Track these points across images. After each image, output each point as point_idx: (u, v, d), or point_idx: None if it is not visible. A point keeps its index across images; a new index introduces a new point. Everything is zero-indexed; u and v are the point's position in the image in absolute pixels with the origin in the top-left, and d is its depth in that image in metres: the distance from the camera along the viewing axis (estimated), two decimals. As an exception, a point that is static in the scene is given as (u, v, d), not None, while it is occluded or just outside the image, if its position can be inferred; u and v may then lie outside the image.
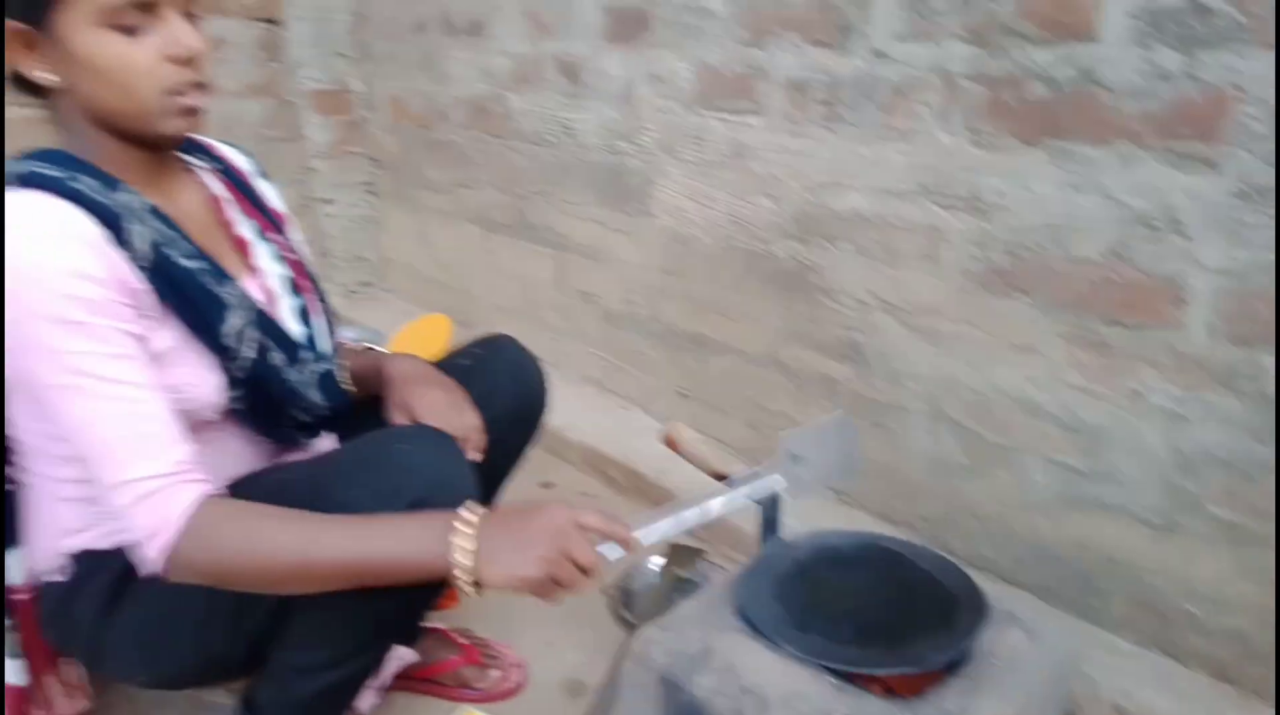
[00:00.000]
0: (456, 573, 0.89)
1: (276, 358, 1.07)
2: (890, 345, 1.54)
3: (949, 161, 1.37)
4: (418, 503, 0.97)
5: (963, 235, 1.38)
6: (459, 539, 0.90)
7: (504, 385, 1.27)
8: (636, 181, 1.95)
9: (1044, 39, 1.24)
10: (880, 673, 1.03)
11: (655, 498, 1.91)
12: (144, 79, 0.93)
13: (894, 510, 1.62)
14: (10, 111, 1.01)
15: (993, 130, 1.32)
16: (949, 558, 1.19)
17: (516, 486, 1.41)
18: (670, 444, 1.35)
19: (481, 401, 1.24)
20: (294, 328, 1.13)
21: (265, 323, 1.07)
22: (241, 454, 1.14)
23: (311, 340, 1.14)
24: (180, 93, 0.95)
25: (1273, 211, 1.08)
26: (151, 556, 0.91)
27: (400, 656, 1.31)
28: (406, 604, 1.02)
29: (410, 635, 1.11)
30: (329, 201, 2.92)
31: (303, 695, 1.06)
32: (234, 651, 1.04)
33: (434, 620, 1.44)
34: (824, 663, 1.01)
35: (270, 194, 1.23)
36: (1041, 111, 1.27)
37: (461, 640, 1.42)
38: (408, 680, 1.38)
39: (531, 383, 1.32)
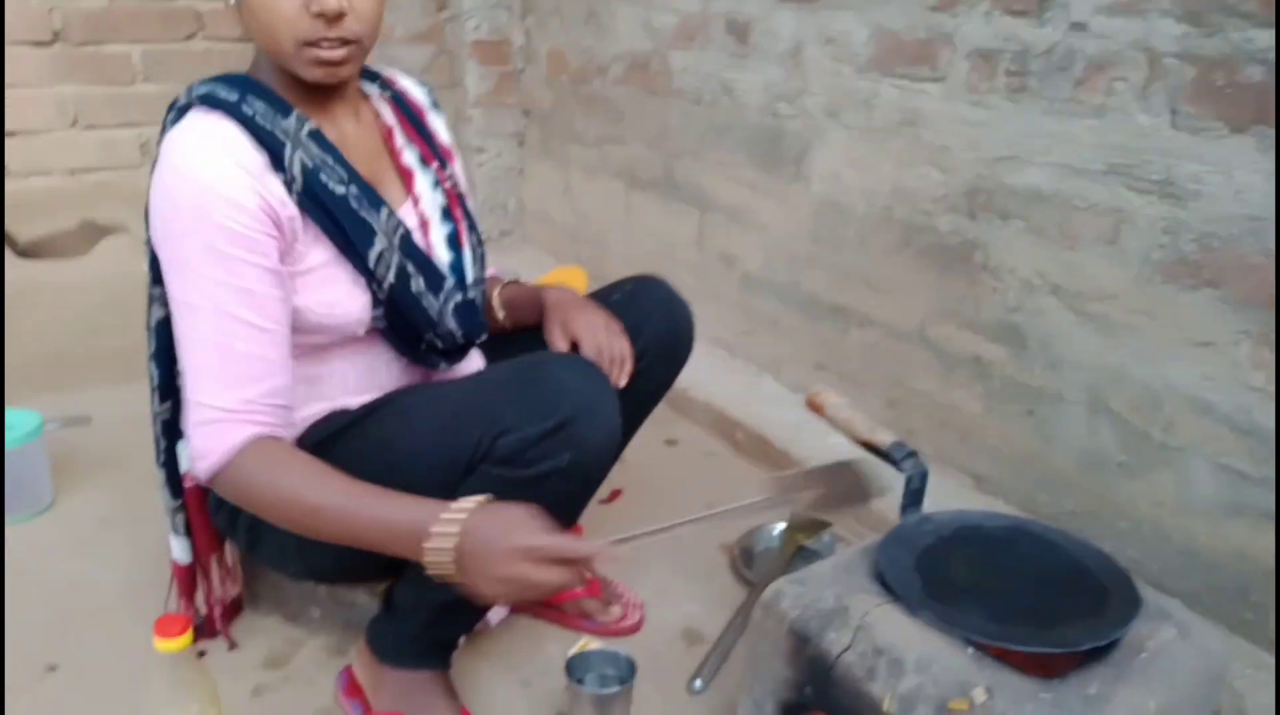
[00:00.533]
0: (433, 573, 0.92)
1: (417, 283, 1.12)
2: (1054, 330, 1.48)
3: (1144, 142, 1.30)
4: (563, 424, 1.01)
5: (1151, 221, 1.31)
6: (437, 542, 0.90)
7: (654, 320, 1.30)
8: (794, 145, 1.93)
9: (1265, 19, 1.16)
10: (1023, 649, 1.00)
11: (780, 465, 1.90)
12: (284, 26, 0.98)
13: (1038, 502, 1.56)
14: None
15: (1197, 113, 1.24)
16: (1101, 550, 1.15)
17: (642, 441, 1.44)
18: (815, 407, 1.34)
19: (631, 332, 1.27)
20: (443, 255, 1.17)
21: (410, 248, 1.12)
22: (391, 368, 1.20)
23: (458, 267, 1.19)
24: (315, 44, 0.99)
25: None
26: (196, 471, 1.02)
27: (497, 615, 1.36)
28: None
29: None
30: (480, 150, 3.00)
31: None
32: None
33: (561, 552, 1.48)
34: (964, 634, 1.00)
35: (440, 126, 1.27)
36: (1255, 96, 1.18)
37: (589, 574, 1.45)
38: (531, 605, 1.43)
39: (679, 320, 1.34)
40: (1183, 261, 1.28)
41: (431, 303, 1.14)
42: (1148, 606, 1.04)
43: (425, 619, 1.17)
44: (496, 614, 1.36)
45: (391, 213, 1.11)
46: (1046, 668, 1.04)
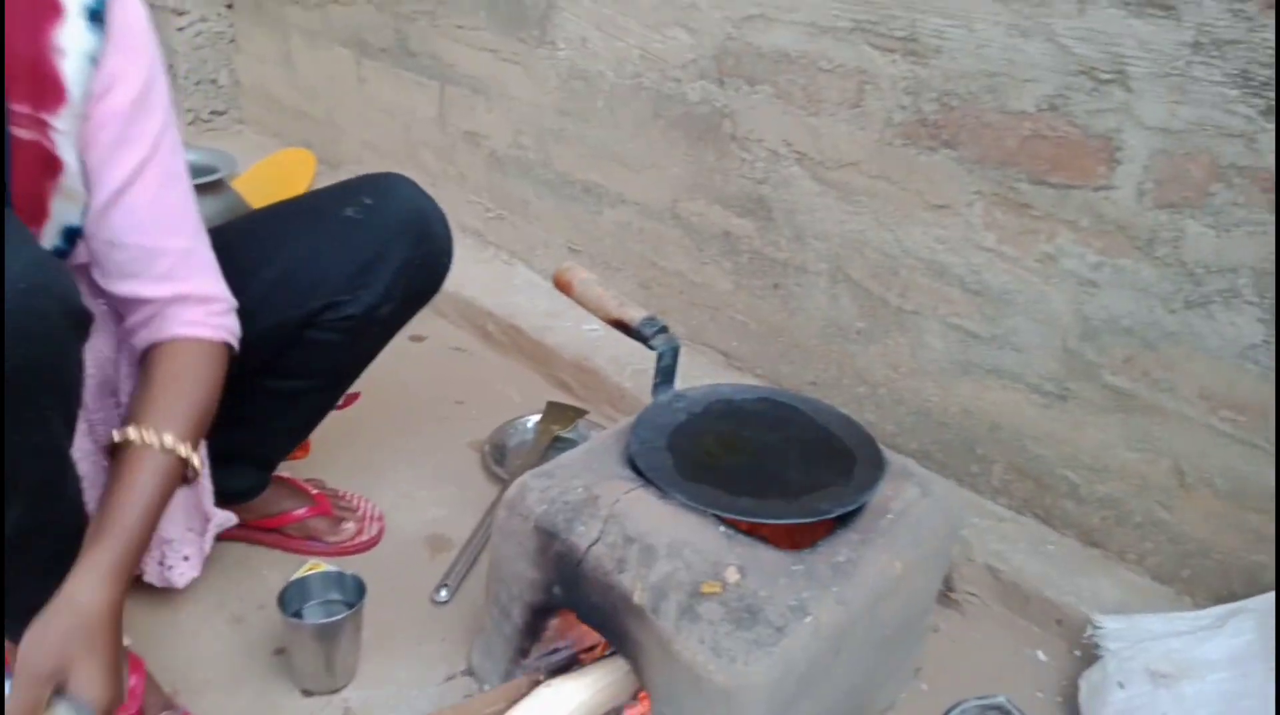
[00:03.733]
0: None
1: None
2: (799, 201, 1.44)
3: (886, -6, 1.25)
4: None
5: (893, 81, 1.28)
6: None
7: (399, 247, 1.08)
8: (538, 3, 1.74)
9: None
10: (772, 522, 0.96)
11: (535, 356, 1.79)
12: None
13: (782, 374, 1.56)
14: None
15: (936, -38, 1.20)
16: (846, 415, 1.13)
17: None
18: (563, 286, 1.22)
19: (373, 260, 1.07)
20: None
21: None
22: None
23: None
24: None
25: (1224, 64, 1.02)
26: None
27: (219, 523, 1.15)
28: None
29: None
30: (180, 12, 2.54)
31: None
32: None
33: (282, 470, 1.29)
34: (715, 511, 0.94)
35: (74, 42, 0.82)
36: (989, -55, 1.16)
37: (313, 491, 1.28)
38: (248, 530, 1.23)
39: (434, 238, 1.12)
40: (923, 122, 1.27)
41: None
42: (891, 468, 1.04)
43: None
44: (184, 575, 1.11)
45: None
46: (799, 538, 1.02)
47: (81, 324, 0.77)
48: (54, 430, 0.80)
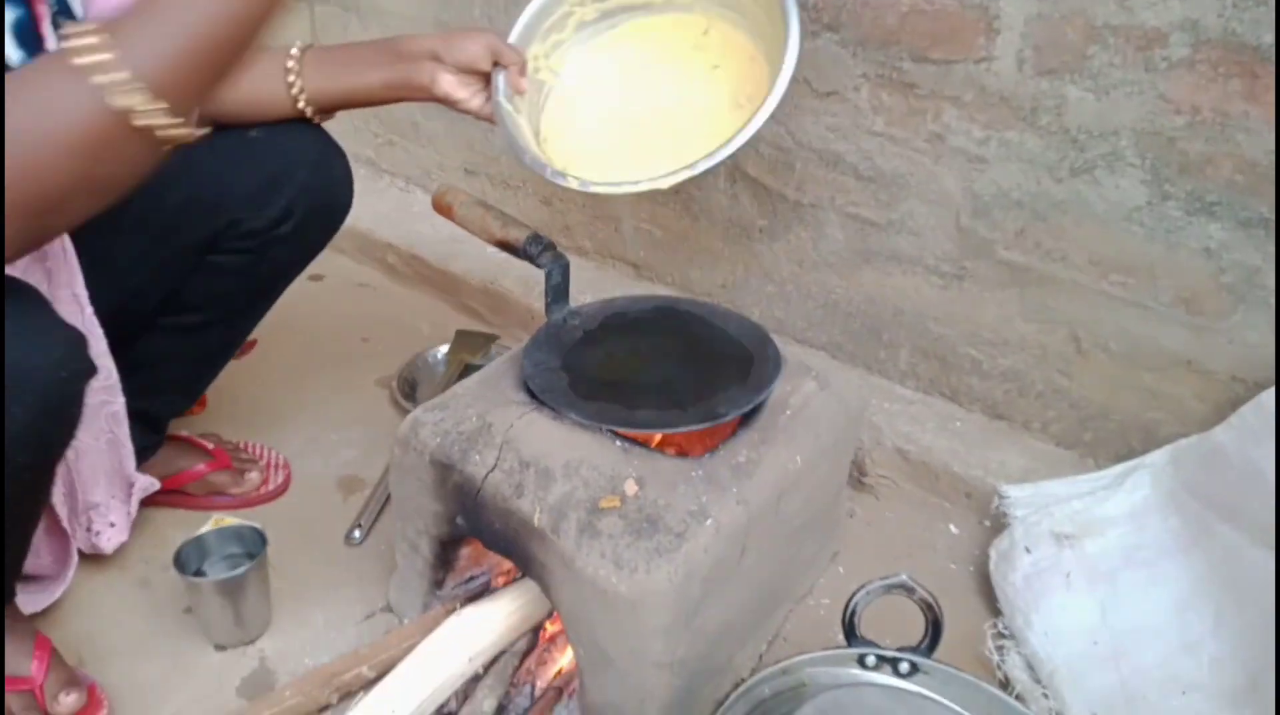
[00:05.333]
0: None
1: None
2: (688, 97, 1.39)
3: None
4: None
5: (766, -40, 1.22)
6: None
7: (301, 168, 1.04)
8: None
9: None
10: (666, 431, 0.95)
11: (441, 285, 1.74)
12: None
13: (693, 281, 1.54)
14: None
15: None
16: (743, 316, 1.12)
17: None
18: (443, 210, 1.17)
19: (270, 185, 1.03)
20: (13, 55, 0.82)
21: None
22: None
23: None
24: None
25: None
26: None
27: (143, 487, 1.12)
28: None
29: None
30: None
31: None
32: None
33: (179, 428, 1.24)
34: (610, 427, 0.93)
35: None
36: None
37: (209, 445, 1.23)
38: (151, 496, 1.19)
39: (334, 167, 1.09)
40: (802, 5, 1.21)
41: None
42: (789, 365, 1.03)
43: None
44: (110, 540, 1.09)
45: None
46: (698, 443, 1.01)
47: (91, 374, 0.78)
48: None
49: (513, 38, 1.04)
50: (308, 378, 1.48)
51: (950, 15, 1.11)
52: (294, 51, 1.00)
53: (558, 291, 1.09)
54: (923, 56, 1.15)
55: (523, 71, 1.02)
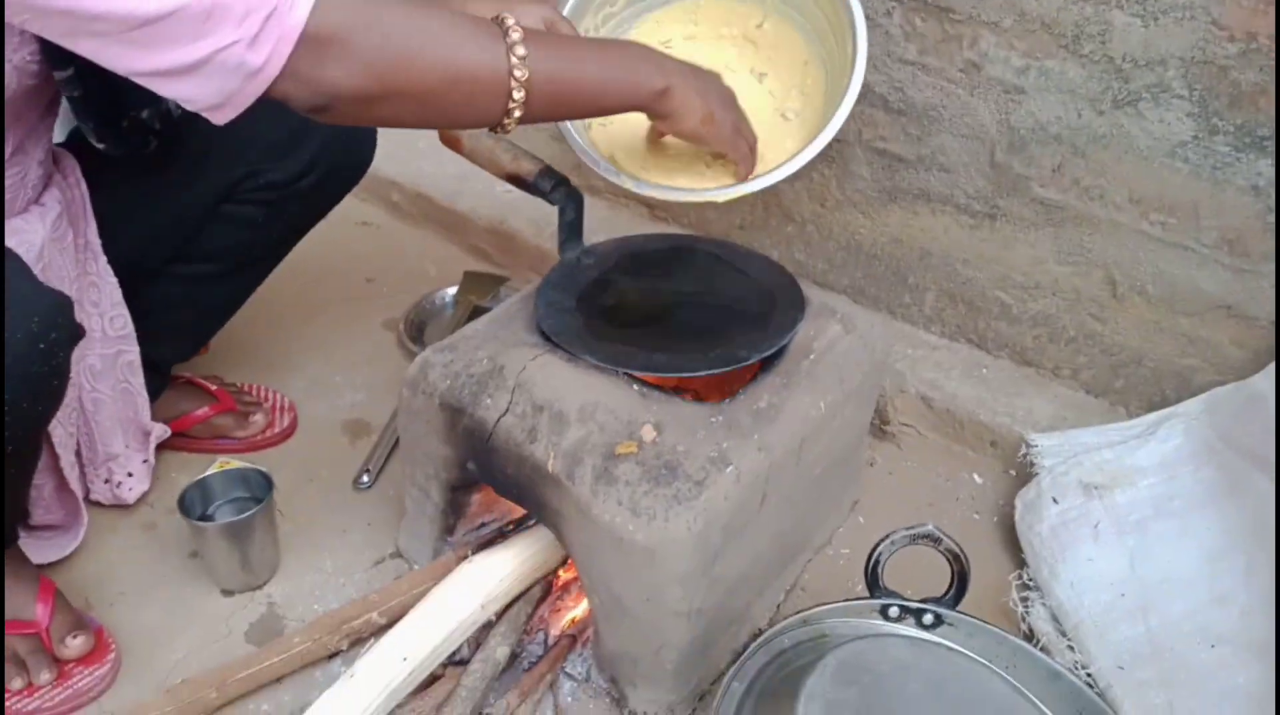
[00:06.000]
0: (653, 99, 0.81)
1: None
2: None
3: None
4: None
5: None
6: (659, 60, 0.83)
7: (322, 127, 1.01)
8: None
9: None
10: (684, 376, 0.92)
11: (448, 224, 1.68)
12: None
13: (708, 219, 1.48)
14: None
15: None
16: (764, 255, 1.07)
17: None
18: (450, 143, 1.11)
19: (296, 136, 1.02)
20: None
21: None
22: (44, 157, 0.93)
23: None
24: None
25: None
26: (291, 26, 0.64)
27: (158, 435, 1.11)
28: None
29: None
30: None
31: None
32: None
33: (178, 369, 1.21)
34: (627, 370, 0.89)
35: None
36: None
37: (212, 387, 1.20)
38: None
39: (359, 129, 1.09)
40: None
41: None
42: (813, 307, 0.98)
43: None
44: (132, 490, 1.08)
45: None
46: (723, 389, 0.97)
47: (76, 339, 0.78)
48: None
49: (566, 9, 0.98)
50: (312, 319, 1.44)
51: (991, -67, 1.04)
52: None
53: (571, 229, 1.05)
54: (959, -21, 1.08)
55: None
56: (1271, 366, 1.00)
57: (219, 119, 0.67)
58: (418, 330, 1.45)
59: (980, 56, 1.10)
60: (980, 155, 1.16)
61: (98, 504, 1.08)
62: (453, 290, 1.52)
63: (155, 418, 1.14)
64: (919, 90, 1.17)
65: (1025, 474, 1.11)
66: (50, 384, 0.77)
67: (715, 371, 0.88)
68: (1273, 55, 0.94)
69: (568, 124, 0.99)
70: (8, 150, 0.83)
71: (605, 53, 0.83)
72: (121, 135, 0.91)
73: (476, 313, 1.48)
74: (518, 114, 0.74)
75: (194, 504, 0.99)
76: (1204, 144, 1.01)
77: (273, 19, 0.62)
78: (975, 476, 1.18)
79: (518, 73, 0.72)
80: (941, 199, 1.22)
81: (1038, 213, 1.14)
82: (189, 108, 0.66)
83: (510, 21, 0.73)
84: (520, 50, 0.72)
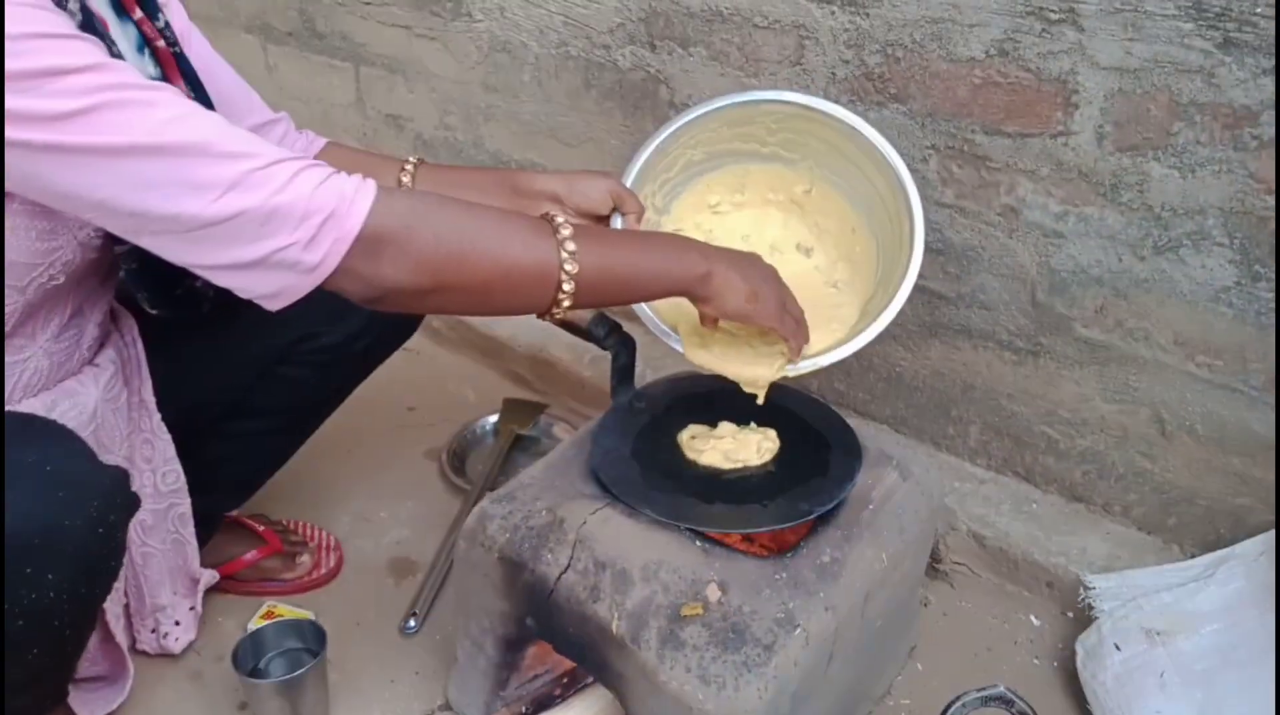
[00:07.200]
0: (697, 283, 0.82)
1: None
2: (746, 166, 1.37)
3: (818, -58, 1.17)
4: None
5: (834, 34, 1.20)
6: (700, 248, 0.84)
7: None
8: (446, -26, 1.63)
9: None
10: (751, 531, 0.91)
11: (486, 350, 1.71)
12: None
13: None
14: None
15: (868, -97, 1.12)
16: (817, 397, 1.08)
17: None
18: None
19: (346, 304, 0.99)
20: (107, 14, 0.83)
21: None
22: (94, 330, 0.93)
23: None
24: None
25: (1172, 4, 0.96)
26: (349, 229, 0.67)
27: (206, 582, 1.11)
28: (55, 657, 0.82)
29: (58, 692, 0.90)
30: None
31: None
32: None
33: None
34: (689, 526, 0.89)
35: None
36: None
37: (260, 527, 1.20)
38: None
39: None
40: (868, 76, 1.19)
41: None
42: (869, 453, 0.99)
43: None
44: (179, 641, 1.08)
45: None
46: (781, 540, 0.97)
47: (133, 512, 0.80)
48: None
49: (629, 180, 1.01)
50: (354, 450, 1.45)
51: (1026, 89, 1.08)
52: (409, 165, 0.98)
53: (624, 373, 1.06)
54: (996, 129, 1.12)
55: (640, 220, 0.99)
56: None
57: (272, 307, 0.69)
58: (460, 461, 1.45)
59: (1018, 202, 1.14)
60: (1021, 294, 1.18)
61: (143, 653, 1.07)
62: (493, 418, 1.53)
63: (203, 563, 1.13)
64: (957, 232, 1.20)
65: (1083, 616, 1.09)
66: (108, 564, 0.77)
67: (779, 527, 0.88)
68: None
69: None
70: (66, 314, 0.85)
71: (649, 243, 0.86)
72: (175, 301, 0.93)
73: (519, 441, 1.49)
74: (566, 303, 0.77)
75: (246, 657, 0.98)
76: (1247, 289, 1.03)
77: (330, 222, 0.66)
78: (1032, 618, 1.16)
79: (568, 267, 0.75)
80: (983, 335, 1.23)
81: (1081, 351, 1.16)
82: (243, 296, 0.69)
83: (559, 219, 0.77)
84: (570, 246, 0.75)
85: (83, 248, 0.79)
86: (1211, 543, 1.12)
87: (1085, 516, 1.21)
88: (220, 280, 0.67)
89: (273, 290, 0.68)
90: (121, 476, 0.76)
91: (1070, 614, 1.14)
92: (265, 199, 0.64)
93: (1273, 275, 1.01)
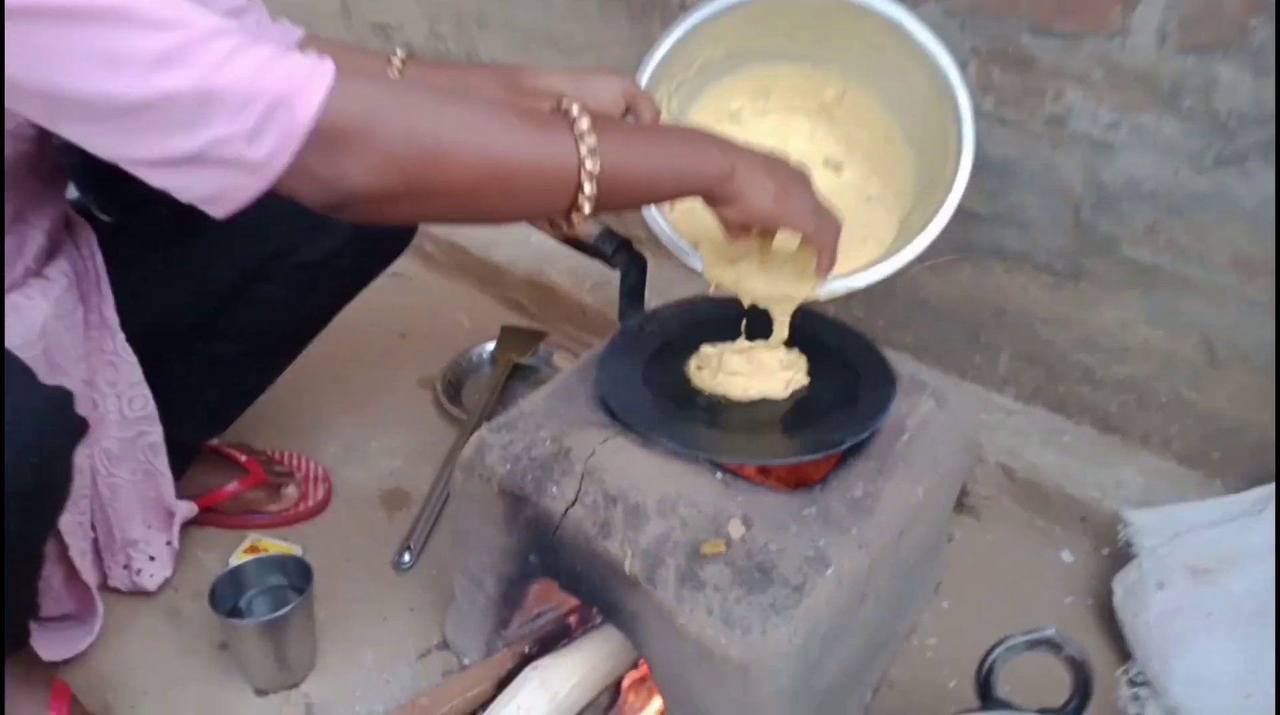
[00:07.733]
0: (719, 181, 0.72)
1: None
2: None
3: None
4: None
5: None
6: (722, 143, 0.73)
7: None
8: None
9: None
10: (777, 463, 0.84)
11: (483, 276, 1.62)
12: None
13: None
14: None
15: None
16: (837, 320, 1.00)
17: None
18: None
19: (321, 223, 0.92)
20: None
21: None
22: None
23: None
24: None
25: None
26: (300, 121, 0.54)
27: (183, 515, 1.03)
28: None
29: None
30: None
31: None
32: None
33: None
34: (709, 456, 0.81)
35: None
36: None
37: (242, 457, 1.12)
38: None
39: None
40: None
41: None
42: (901, 381, 0.91)
43: None
44: (153, 577, 1.01)
45: None
46: (806, 475, 0.89)
47: (79, 437, 0.72)
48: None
49: (644, 80, 0.91)
50: (344, 377, 1.37)
51: (1082, -19, 0.97)
52: (395, 60, 0.87)
53: (633, 294, 0.97)
54: (1045, 28, 1.02)
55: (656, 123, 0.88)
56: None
57: (216, 213, 0.57)
58: (455, 389, 1.37)
59: (1065, 110, 1.04)
60: (1063, 213, 1.09)
61: (115, 591, 1.00)
62: (490, 346, 1.45)
63: (180, 494, 1.06)
64: (995, 145, 1.10)
65: (1120, 553, 1.03)
66: (49, 496, 0.69)
67: (808, 458, 0.80)
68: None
69: (652, 208, 0.92)
70: (6, 218, 0.76)
71: (666, 138, 0.75)
72: (126, 205, 0.84)
73: (516, 371, 1.41)
74: (587, 208, 0.65)
75: (225, 595, 0.91)
76: (1317, 203, 0.94)
77: (279, 109, 0.53)
78: (1064, 554, 1.10)
79: (589, 164, 0.63)
80: (1018, 257, 1.14)
81: (1127, 273, 1.07)
82: (181, 199, 0.57)
83: (575, 110, 0.65)
84: (590, 140, 0.64)
85: (13, 138, 0.69)
86: (1257, 477, 1.05)
87: (1120, 449, 1.14)
88: (155, 180, 0.56)
89: (212, 192, 0.56)
90: (62, 397, 0.67)
91: (1106, 550, 1.07)
92: (200, 79, 0.51)
93: (1347, 187, 0.92)
